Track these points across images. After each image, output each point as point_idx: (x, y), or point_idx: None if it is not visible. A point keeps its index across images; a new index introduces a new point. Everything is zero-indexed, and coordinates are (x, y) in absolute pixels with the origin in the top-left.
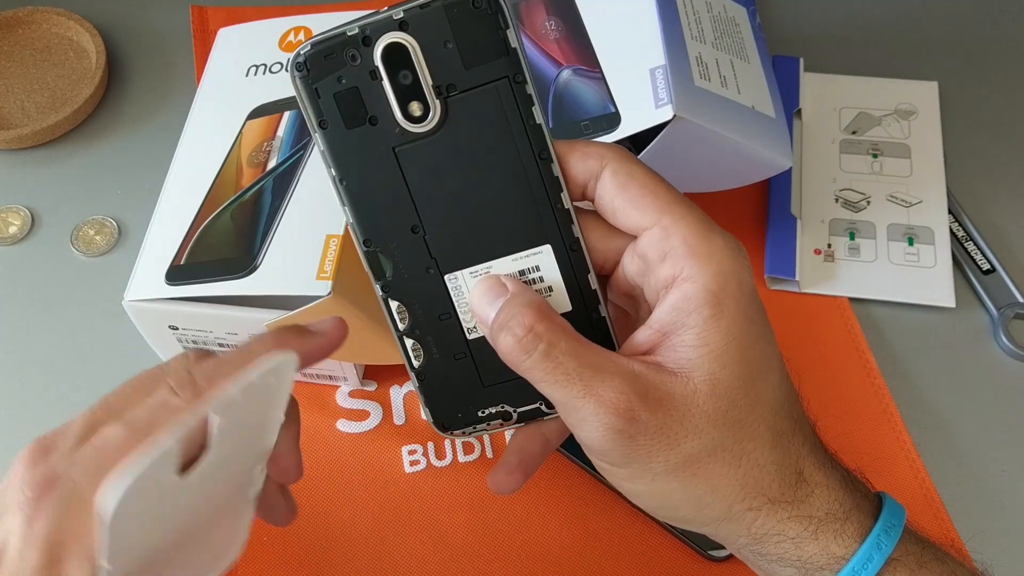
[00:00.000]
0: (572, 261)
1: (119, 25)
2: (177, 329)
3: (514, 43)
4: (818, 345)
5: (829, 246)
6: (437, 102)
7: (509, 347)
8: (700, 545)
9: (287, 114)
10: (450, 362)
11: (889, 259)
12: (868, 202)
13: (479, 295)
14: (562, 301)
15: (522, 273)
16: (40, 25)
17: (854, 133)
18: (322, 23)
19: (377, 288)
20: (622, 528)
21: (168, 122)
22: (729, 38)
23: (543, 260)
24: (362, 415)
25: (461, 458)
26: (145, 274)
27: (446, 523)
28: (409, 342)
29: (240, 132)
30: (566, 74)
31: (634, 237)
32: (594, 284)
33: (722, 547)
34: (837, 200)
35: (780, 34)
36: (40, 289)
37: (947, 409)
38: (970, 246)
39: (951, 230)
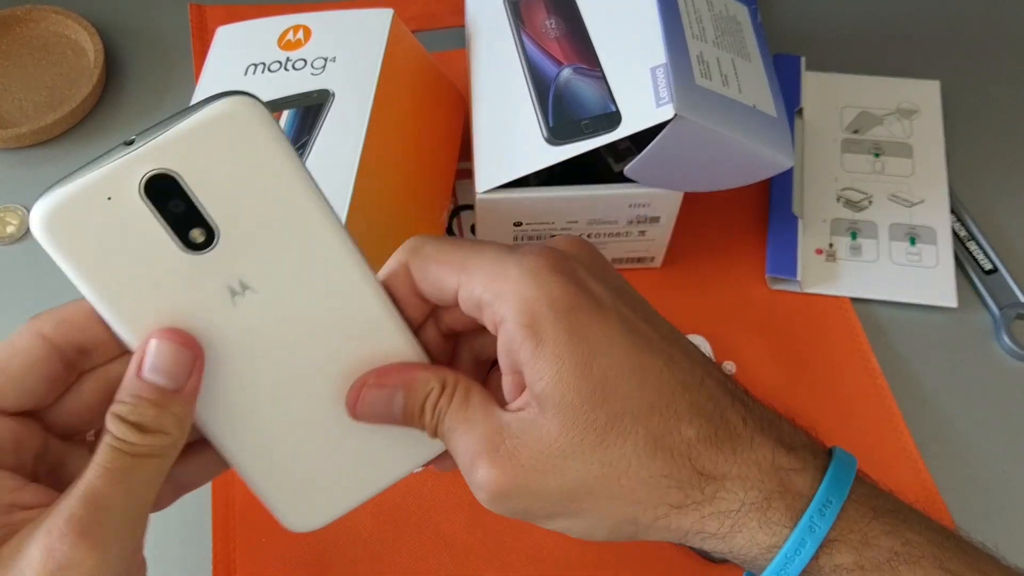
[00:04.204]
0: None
1: (117, 23)
2: None
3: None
4: (820, 345)
5: (831, 246)
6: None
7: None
8: None
9: (286, 113)
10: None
11: (891, 259)
12: (870, 201)
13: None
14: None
15: None
16: (38, 24)
17: (856, 132)
18: (320, 21)
19: None
20: None
21: None
22: (730, 37)
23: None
24: None
25: None
26: None
27: (446, 524)
28: None
29: None
30: (566, 73)
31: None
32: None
33: None
34: (839, 199)
35: (781, 33)
36: (38, 288)
37: (949, 409)
38: (972, 246)
39: (953, 230)
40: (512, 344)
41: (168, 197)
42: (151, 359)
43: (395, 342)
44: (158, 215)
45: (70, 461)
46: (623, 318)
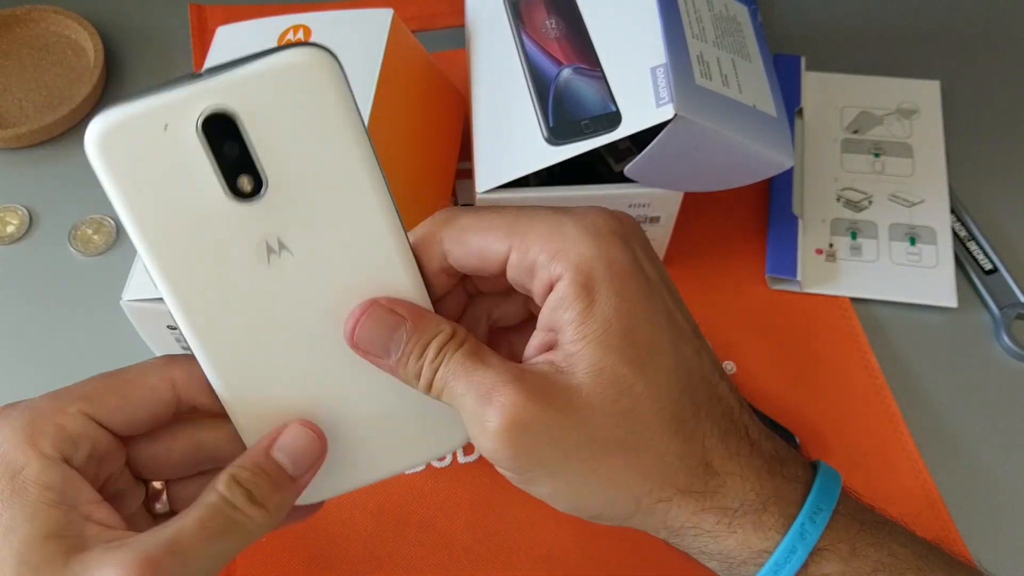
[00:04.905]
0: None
1: (117, 23)
2: (175, 329)
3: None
4: (820, 345)
5: (831, 246)
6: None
7: (425, 381)
8: None
9: None
10: None
11: (891, 259)
12: (870, 201)
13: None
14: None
15: None
16: (38, 24)
17: (856, 132)
18: (320, 21)
19: None
20: (623, 528)
21: None
22: (730, 37)
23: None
24: None
25: (461, 459)
26: (143, 274)
27: (446, 524)
28: None
29: None
30: (566, 73)
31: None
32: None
33: None
34: (839, 199)
35: (781, 32)
36: (38, 289)
37: (949, 409)
38: (972, 246)
39: (953, 230)
40: (563, 302)
41: (224, 138)
42: (285, 441)
43: None
44: (210, 154)
45: (128, 499)
46: (665, 301)
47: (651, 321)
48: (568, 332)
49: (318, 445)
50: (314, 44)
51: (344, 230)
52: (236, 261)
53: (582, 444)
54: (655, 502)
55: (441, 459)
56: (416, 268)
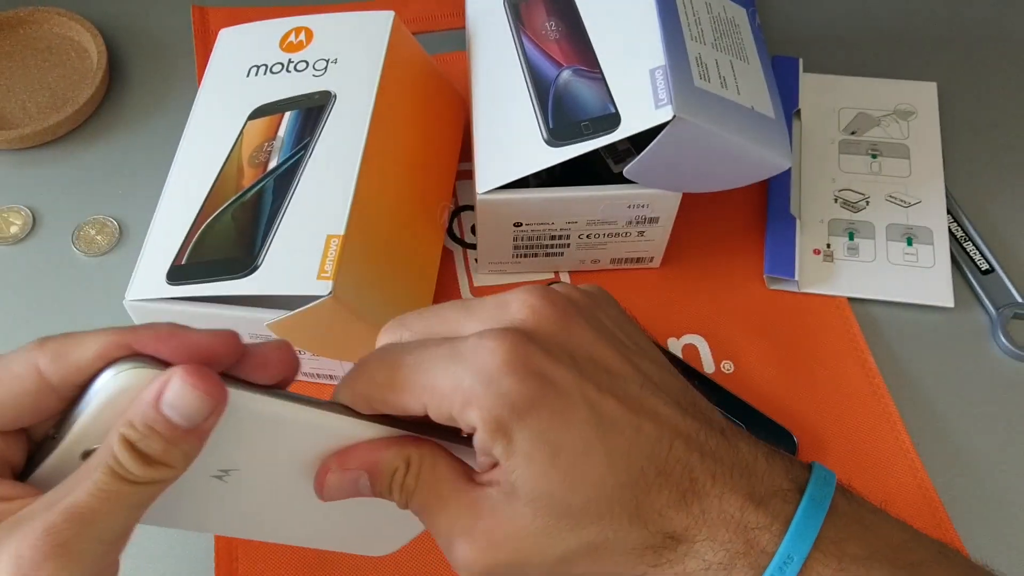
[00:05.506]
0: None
1: (120, 25)
2: None
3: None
4: (817, 345)
5: (828, 246)
6: None
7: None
8: None
9: (288, 115)
10: None
11: (888, 259)
12: (867, 202)
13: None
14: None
15: None
16: (41, 25)
17: (853, 133)
18: (322, 23)
19: None
20: None
21: (169, 122)
22: (729, 39)
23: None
24: None
25: None
26: (146, 274)
27: None
28: None
29: (241, 132)
30: (566, 75)
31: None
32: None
33: None
34: (836, 200)
35: (779, 35)
36: (41, 289)
37: (946, 409)
38: (969, 246)
39: (950, 230)
40: (486, 445)
41: None
42: (171, 395)
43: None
44: None
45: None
46: (587, 400)
47: (573, 431)
48: (502, 464)
49: (208, 400)
50: (128, 361)
51: (266, 441)
52: (205, 496)
53: (545, 567)
54: None
55: None
56: (351, 416)
